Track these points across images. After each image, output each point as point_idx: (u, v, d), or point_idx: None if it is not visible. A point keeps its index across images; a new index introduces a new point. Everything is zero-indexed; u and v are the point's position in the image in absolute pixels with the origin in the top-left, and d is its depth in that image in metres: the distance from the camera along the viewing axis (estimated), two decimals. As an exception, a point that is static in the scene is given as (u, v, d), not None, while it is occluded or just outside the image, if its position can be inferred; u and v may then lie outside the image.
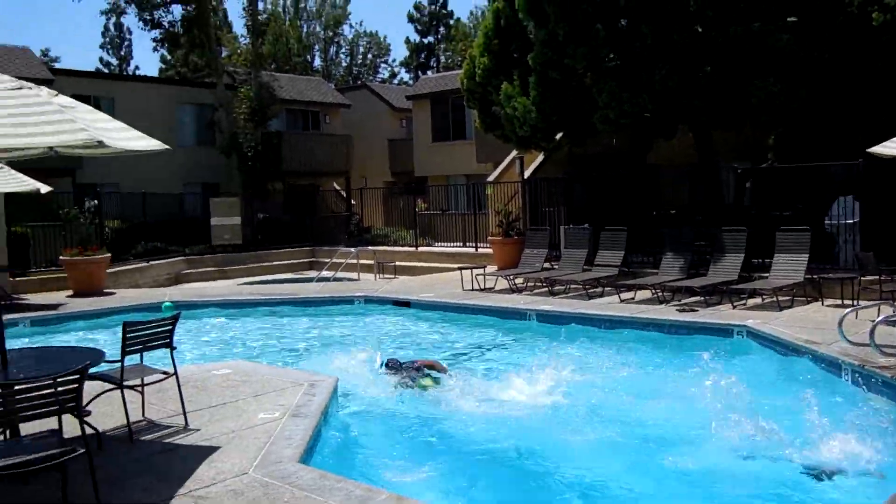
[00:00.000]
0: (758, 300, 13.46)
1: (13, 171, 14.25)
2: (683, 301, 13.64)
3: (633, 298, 14.16)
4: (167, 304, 14.48)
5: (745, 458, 6.88)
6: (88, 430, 5.40)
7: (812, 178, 16.22)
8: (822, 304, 12.88)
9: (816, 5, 13.43)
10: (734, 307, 12.82)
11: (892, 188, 14.01)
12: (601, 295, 14.80)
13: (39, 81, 21.77)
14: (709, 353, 9.37)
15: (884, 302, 10.89)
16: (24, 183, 14.21)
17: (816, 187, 16.28)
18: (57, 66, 50.71)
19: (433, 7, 61.83)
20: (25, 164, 13.98)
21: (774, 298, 12.96)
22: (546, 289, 15.70)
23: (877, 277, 11.71)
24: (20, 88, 5.81)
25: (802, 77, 14.35)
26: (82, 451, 4.91)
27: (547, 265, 17.12)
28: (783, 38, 13.53)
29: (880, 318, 9.03)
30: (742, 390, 7.88)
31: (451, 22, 60.97)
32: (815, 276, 13.34)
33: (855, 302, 12.07)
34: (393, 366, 9.83)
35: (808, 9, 13.54)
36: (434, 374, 9.59)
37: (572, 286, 15.69)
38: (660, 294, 14.04)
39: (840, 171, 15.96)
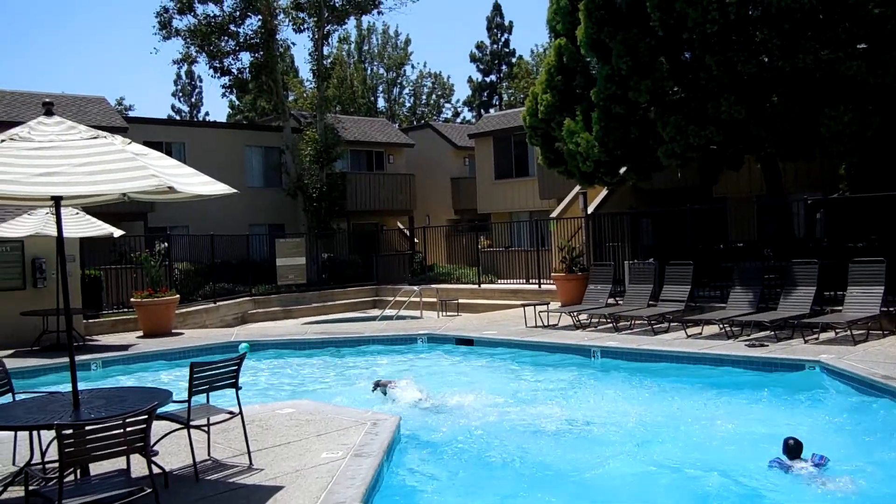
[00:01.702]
0: (831, 334, 13.06)
1: (88, 216, 14.80)
2: (753, 336, 13.30)
3: (700, 334, 13.88)
4: (244, 345, 14.70)
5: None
6: (156, 470, 5.50)
7: (887, 207, 15.75)
8: (900, 338, 12.43)
9: (887, 31, 13.11)
10: (806, 341, 12.46)
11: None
12: (667, 331, 14.54)
13: (114, 130, 22.70)
14: (782, 391, 9.08)
15: (965, 335, 10.46)
16: (98, 227, 14.75)
17: (891, 217, 15.80)
18: (131, 114, 52.70)
19: (495, 46, 62.37)
20: (99, 208, 14.54)
21: (848, 332, 12.56)
22: (611, 325, 15.49)
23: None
24: (96, 138, 6.05)
25: (875, 105, 14.00)
26: (149, 490, 4.99)
27: (612, 301, 16.91)
28: (853, 66, 13.21)
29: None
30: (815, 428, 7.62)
31: (513, 60, 61.37)
32: (891, 309, 12.91)
33: (935, 335, 11.62)
34: (381, 385, 11.14)
35: (878, 35, 13.23)
36: (410, 390, 10.79)
37: (637, 322, 15.45)
38: (728, 329, 13.73)
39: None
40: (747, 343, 12.55)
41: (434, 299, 21.59)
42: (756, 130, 14.70)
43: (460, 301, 21.55)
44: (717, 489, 7.01)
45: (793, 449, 7.39)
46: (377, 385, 11.20)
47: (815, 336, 12.92)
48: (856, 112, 13.65)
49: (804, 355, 11.26)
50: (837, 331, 13.09)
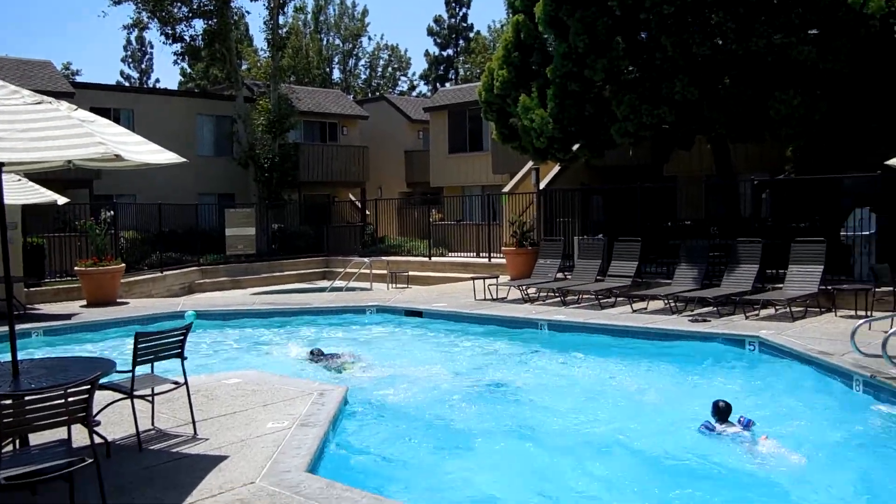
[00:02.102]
0: (771, 311, 13.39)
1: (31, 183, 14.46)
2: (696, 311, 13.58)
3: (645, 308, 14.14)
4: (190, 313, 14.57)
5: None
6: (98, 440, 5.46)
7: (829, 190, 16.15)
8: (836, 315, 12.80)
9: (838, 18, 13.35)
10: (747, 318, 12.76)
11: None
12: (613, 305, 14.77)
13: (60, 95, 22.16)
14: (722, 364, 9.34)
15: (898, 314, 10.82)
16: (41, 194, 14.43)
17: (834, 199, 16.20)
18: (78, 79, 51.44)
19: (453, 20, 62.05)
20: (43, 175, 14.22)
21: (787, 309, 12.90)
22: (558, 299, 15.67)
23: (891, 289, 11.61)
24: (40, 103, 5.91)
25: (823, 90, 14.28)
26: (90, 460, 4.95)
27: (560, 276, 17.10)
28: (804, 51, 13.45)
29: (893, 330, 8.96)
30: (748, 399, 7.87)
31: (471, 35, 61.15)
32: (829, 288, 13.28)
33: (868, 313, 11.99)
34: (317, 354, 11.41)
35: (829, 22, 13.47)
36: (350, 361, 11.14)
37: (585, 297, 15.66)
38: (672, 304, 13.99)
39: (857, 184, 15.89)
40: (690, 318, 12.81)
41: (384, 271, 21.58)
42: (708, 112, 14.91)
43: (410, 273, 21.59)
44: (649, 453, 7.26)
45: (723, 411, 7.70)
46: (314, 354, 11.47)
47: (756, 312, 13.25)
48: (805, 96, 13.92)
49: (744, 331, 11.54)
50: (778, 308, 13.42)
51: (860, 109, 14.59)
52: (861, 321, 9.43)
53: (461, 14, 62.11)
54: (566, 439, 7.76)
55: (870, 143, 15.34)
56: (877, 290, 12.10)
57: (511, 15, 18.55)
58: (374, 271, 21.22)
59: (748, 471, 6.85)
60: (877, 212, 14.11)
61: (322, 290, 21.07)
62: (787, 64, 14.02)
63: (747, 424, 7.53)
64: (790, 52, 13.64)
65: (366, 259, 22.20)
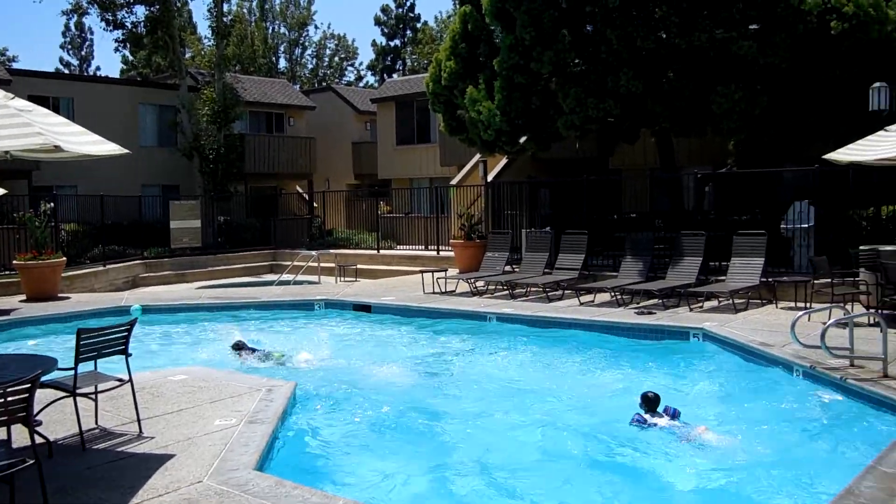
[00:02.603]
0: (714, 303, 13.65)
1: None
2: (642, 304, 13.79)
3: (592, 301, 14.30)
4: (136, 308, 14.30)
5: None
6: (39, 440, 5.34)
7: (770, 183, 16.50)
8: (777, 306, 13.12)
9: (777, 14, 13.64)
10: (691, 310, 13.00)
11: (845, 194, 14.30)
12: (561, 298, 14.91)
13: (-5, 82, 21.50)
14: (668, 356, 9.49)
15: (835, 305, 11.13)
16: (-23, 186, 14.03)
17: (774, 192, 16.56)
18: (14, 66, 50.00)
19: (400, 10, 61.86)
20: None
21: (730, 301, 13.17)
22: (507, 292, 15.76)
23: (829, 281, 11.92)
24: (-28, 91, 5.74)
25: (764, 85, 14.59)
26: (32, 461, 4.84)
27: (508, 268, 17.20)
28: (745, 46, 13.74)
29: (831, 321, 9.22)
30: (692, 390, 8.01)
31: (418, 25, 61.01)
32: (770, 280, 13.60)
33: (808, 305, 12.30)
34: (240, 346, 11.29)
35: (769, 17, 13.76)
36: (280, 354, 11.11)
37: (533, 289, 15.78)
38: (619, 297, 14.18)
39: (797, 177, 16.28)
40: (637, 311, 13.00)
41: (332, 264, 21.46)
42: (652, 105, 15.12)
43: (359, 267, 21.49)
44: (585, 445, 7.40)
45: (652, 401, 7.87)
46: (237, 347, 11.31)
47: (701, 304, 13.50)
48: (745, 91, 14.22)
49: (689, 323, 11.74)
50: (721, 300, 13.69)
51: (799, 104, 14.94)
52: (800, 313, 9.65)
53: (408, 4, 62.03)
54: (508, 433, 7.83)
55: (808, 137, 15.74)
56: (815, 281, 12.41)
57: (458, 6, 18.57)
58: (322, 264, 21.09)
59: (683, 462, 6.98)
60: (815, 205, 14.48)
61: (270, 283, 20.86)
62: (728, 58, 14.29)
63: (674, 414, 7.73)
64: (731, 46, 13.92)
65: (313, 252, 22.04)
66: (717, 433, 7.41)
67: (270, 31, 58.36)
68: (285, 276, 21.35)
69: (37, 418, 5.78)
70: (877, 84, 13.56)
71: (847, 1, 13.64)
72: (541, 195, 21.30)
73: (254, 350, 11.24)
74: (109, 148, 6.62)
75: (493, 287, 16.37)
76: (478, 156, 21.50)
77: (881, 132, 11.22)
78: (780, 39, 13.64)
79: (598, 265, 16.73)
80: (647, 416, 7.69)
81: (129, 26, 30.50)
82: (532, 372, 10.43)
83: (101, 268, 20.19)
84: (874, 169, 13.36)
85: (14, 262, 16.71)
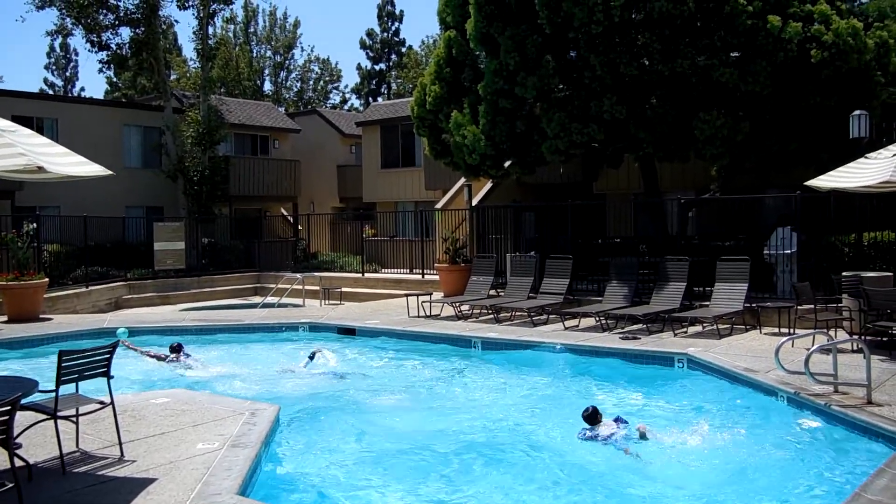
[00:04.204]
0: (698, 328, 13.69)
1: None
2: (626, 329, 13.81)
3: (577, 326, 14.32)
4: (122, 330, 14.18)
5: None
6: (19, 463, 5.27)
7: (752, 209, 16.63)
8: (760, 332, 13.18)
9: (758, 42, 13.81)
10: (675, 335, 13.03)
11: (827, 220, 14.43)
12: (546, 322, 14.91)
13: (-21, 102, 21.37)
14: (652, 381, 9.49)
15: (819, 331, 11.18)
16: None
17: (757, 218, 16.69)
18: (-2, 86, 49.77)
19: (385, 34, 62.11)
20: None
21: (714, 327, 13.22)
22: (492, 316, 15.75)
23: (812, 307, 11.99)
24: (-45, 111, 5.71)
25: (745, 111, 14.75)
26: (11, 485, 4.78)
27: (493, 292, 17.20)
28: (727, 73, 13.90)
29: (815, 347, 9.25)
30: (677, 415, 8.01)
31: (403, 50, 61.30)
32: (753, 305, 13.67)
33: (791, 331, 12.37)
34: (174, 349, 12.62)
35: (750, 45, 13.93)
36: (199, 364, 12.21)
37: (517, 313, 15.78)
38: (603, 322, 14.20)
39: (779, 203, 16.41)
40: (621, 336, 13.02)
41: (317, 287, 21.40)
42: (635, 130, 15.23)
43: (343, 290, 21.44)
44: (546, 462, 7.54)
45: (591, 416, 8.15)
46: (172, 350, 12.57)
47: (685, 330, 13.54)
48: (727, 117, 14.37)
49: (673, 348, 11.77)
50: (705, 325, 13.75)
51: (780, 131, 15.10)
52: (784, 339, 9.70)
53: (394, 28, 62.26)
54: (494, 456, 7.80)
55: (790, 163, 15.90)
56: (799, 307, 12.48)
57: (443, 30, 18.66)
58: (306, 287, 21.03)
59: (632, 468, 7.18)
60: (798, 230, 14.60)
61: (254, 306, 20.77)
62: (710, 85, 14.45)
63: (619, 419, 8.04)
64: (713, 73, 14.08)
65: (298, 275, 21.99)
66: (687, 446, 7.66)
67: (256, 54, 58.47)
68: (270, 299, 21.28)
69: (17, 441, 5.70)
70: (857, 112, 13.73)
71: (826, 30, 13.84)
72: (525, 219, 21.36)
73: (179, 356, 12.47)
74: (93, 169, 6.59)
75: (479, 311, 16.36)
76: (462, 180, 21.57)
77: (861, 160, 11.36)
78: (761, 67, 13.81)
79: (582, 290, 16.75)
80: (592, 429, 8.01)
81: (114, 48, 30.41)
82: (515, 395, 10.44)
83: (84, 289, 20.04)
84: (855, 195, 13.50)
85: (-5, 282, 16.56)
